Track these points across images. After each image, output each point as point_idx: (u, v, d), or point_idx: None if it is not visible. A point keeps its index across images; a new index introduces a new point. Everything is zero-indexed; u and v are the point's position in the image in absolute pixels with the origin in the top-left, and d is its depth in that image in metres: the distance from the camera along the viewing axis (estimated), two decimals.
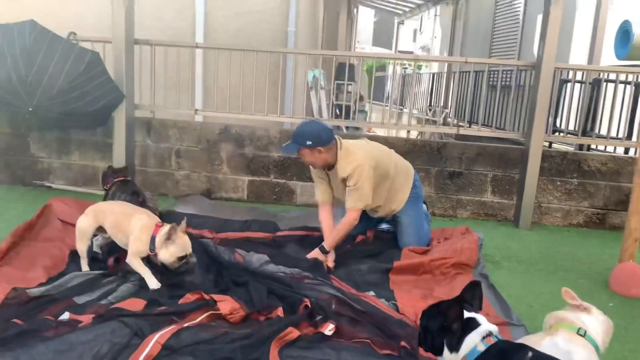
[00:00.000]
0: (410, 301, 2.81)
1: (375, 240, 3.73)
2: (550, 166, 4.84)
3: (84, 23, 5.79)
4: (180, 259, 2.77)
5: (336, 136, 3.43)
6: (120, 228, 2.89)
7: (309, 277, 2.93)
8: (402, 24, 19.31)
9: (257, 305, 2.59)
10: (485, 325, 1.77)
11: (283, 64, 5.58)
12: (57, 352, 1.99)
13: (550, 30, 4.46)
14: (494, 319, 2.60)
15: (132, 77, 4.88)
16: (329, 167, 3.44)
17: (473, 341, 1.73)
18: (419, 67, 20.05)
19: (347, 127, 8.98)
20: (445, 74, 11.44)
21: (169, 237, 2.72)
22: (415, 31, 28.21)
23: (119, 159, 4.92)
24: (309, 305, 2.59)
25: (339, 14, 9.71)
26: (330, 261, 3.33)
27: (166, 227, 2.75)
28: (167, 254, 2.74)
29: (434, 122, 9.97)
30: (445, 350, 1.79)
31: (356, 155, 3.34)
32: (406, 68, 19.16)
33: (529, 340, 1.93)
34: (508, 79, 6.65)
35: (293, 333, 2.33)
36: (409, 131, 5.59)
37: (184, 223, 2.83)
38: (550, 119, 5.01)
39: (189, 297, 2.58)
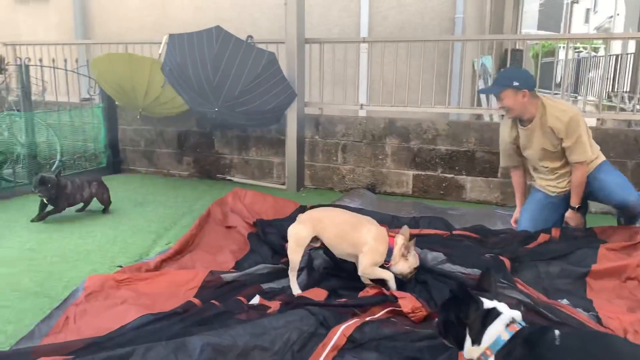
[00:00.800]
0: (614, 313, 2.45)
1: (563, 239, 3.34)
2: None
3: (258, 27, 6.23)
4: (414, 269, 2.72)
5: None
6: (346, 239, 2.73)
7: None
8: (577, 2, 17.40)
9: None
10: (508, 312, 1.73)
11: (451, 53, 5.36)
12: (253, 335, 2.10)
13: None
14: None
15: (303, 76, 5.09)
16: (522, 120, 3.36)
17: (497, 331, 1.69)
18: (595, 50, 17.95)
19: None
20: (633, 55, 10.01)
21: (406, 250, 2.68)
22: (587, 11, 25.37)
23: (290, 155, 5.18)
24: None
25: None
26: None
27: (400, 239, 2.70)
28: (405, 266, 2.68)
29: (619, 109, 8.76)
30: (467, 343, 1.74)
31: (566, 105, 3.28)
32: (580, 52, 17.29)
33: None
34: None
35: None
36: (598, 119, 4.97)
37: (405, 229, 2.77)
38: None
39: (368, 291, 2.57)
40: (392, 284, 2.65)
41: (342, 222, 2.78)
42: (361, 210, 4.04)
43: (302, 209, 3.97)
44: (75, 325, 2.35)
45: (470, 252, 3.25)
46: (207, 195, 4.98)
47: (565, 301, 2.60)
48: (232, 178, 5.64)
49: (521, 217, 3.58)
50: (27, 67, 4.87)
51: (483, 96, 6.09)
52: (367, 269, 2.68)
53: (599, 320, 2.41)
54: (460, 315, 1.76)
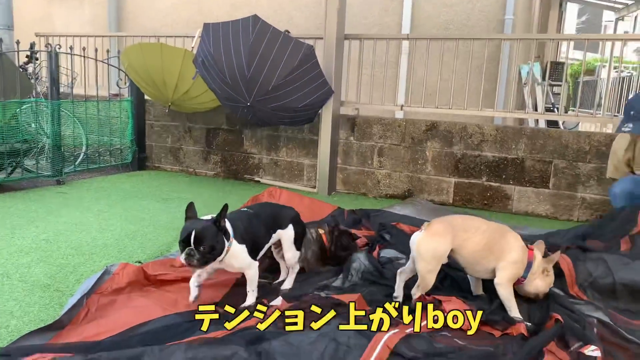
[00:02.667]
0: None
1: None
2: None
3: (294, 25, 6.01)
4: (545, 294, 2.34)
5: None
6: (494, 250, 2.26)
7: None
8: (622, 19, 16.77)
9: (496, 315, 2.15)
10: None
11: (500, 56, 5.02)
12: (286, 353, 1.81)
13: None
14: None
15: (340, 74, 4.82)
16: None
17: None
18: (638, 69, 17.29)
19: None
20: None
21: (548, 265, 2.31)
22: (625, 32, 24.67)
23: (323, 157, 4.89)
24: (561, 321, 2.07)
25: (550, 8, 8.69)
26: None
27: (539, 254, 2.32)
28: (543, 284, 2.30)
29: None
30: None
31: None
32: (622, 71, 16.63)
33: None
34: None
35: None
36: None
37: (557, 253, 2.36)
38: None
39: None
40: (515, 313, 2.23)
41: (490, 230, 2.29)
42: (406, 217, 3.73)
43: (341, 212, 3.70)
44: (95, 318, 2.15)
45: None
46: (234, 195, 4.72)
47: None
48: (260, 179, 5.37)
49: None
50: (56, 54, 4.72)
51: (529, 102, 5.73)
52: (505, 285, 2.23)
53: None
54: None
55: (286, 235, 2.44)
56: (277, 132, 5.27)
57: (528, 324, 2.14)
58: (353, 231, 3.29)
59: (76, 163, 5.28)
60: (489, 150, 4.48)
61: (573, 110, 8.83)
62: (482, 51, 4.62)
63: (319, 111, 4.79)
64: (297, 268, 2.55)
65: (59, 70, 4.85)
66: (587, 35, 4.62)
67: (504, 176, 4.46)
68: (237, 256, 2.16)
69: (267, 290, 2.50)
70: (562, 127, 7.49)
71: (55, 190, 4.58)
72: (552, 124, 7.75)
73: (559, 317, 2.12)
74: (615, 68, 15.15)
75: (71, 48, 5.11)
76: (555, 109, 7.81)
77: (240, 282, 2.52)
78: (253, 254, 2.24)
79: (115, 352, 1.75)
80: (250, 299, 2.27)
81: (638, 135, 3.03)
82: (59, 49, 4.87)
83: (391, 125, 4.84)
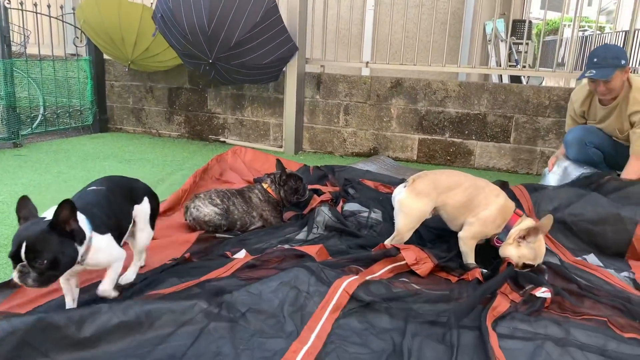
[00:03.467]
0: None
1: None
2: None
3: None
4: (525, 266, 2.20)
5: None
6: (472, 204, 2.24)
7: None
8: None
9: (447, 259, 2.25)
10: None
11: (462, 10, 5.01)
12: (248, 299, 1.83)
13: None
14: None
15: (304, 30, 4.74)
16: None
17: None
18: (601, 29, 17.55)
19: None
20: None
21: (527, 235, 2.17)
22: None
23: (289, 115, 4.85)
24: (513, 264, 2.17)
25: None
26: None
27: (527, 222, 2.22)
28: (515, 253, 2.19)
29: None
30: None
31: None
32: (585, 30, 16.85)
33: None
34: None
35: (502, 306, 1.92)
36: None
37: (549, 220, 2.15)
38: None
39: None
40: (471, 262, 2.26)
41: (472, 186, 2.27)
42: (369, 172, 3.77)
43: (306, 168, 3.71)
44: None
45: None
46: (198, 155, 4.67)
47: (592, 258, 2.33)
48: (225, 139, 5.31)
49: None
50: (5, 9, 4.48)
51: (493, 60, 5.77)
52: (469, 237, 2.23)
53: (636, 285, 2.14)
54: None
55: (142, 211, 1.98)
56: (241, 91, 5.19)
57: (484, 270, 2.22)
58: (317, 186, 3.32)
59: (33, 125, 5.10)
60: (452, 106, 4.53)
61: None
62: (447, 7, 4.60)
63: (284, 69, 4.72)
64: (145, 255, 2.13)
65: (9, 28, 4.61)
66: None
67: (466, 132, 4.52)
68: (103, 250, 1.68)
69: (233, 242, 2.52)
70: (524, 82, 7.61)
71: (12, 153, 4.44)
72: (515, 80, 7.86)
73: (511, 261, 2.20)
74: (581, 27, 15.32)
75: (21, 3, 4.85)
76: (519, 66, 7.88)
77: (202, 238, 2.53)
78: (118, 240, 1.79)
79: (71, 310, 1.73)
80: (107, 285, 1.77)
81: (595, 89, 3.09)
82: (8, 4, 4.63)
83: (357, 82, 4.82)
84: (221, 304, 1.82)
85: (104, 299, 1.75)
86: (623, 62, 2.95)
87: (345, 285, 1.92)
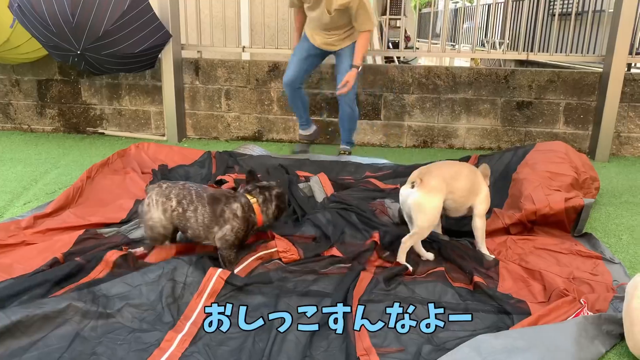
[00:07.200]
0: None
1: None
2: (633, 91, 4.37)
3: None
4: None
5: None
6: (473, 189, 2.42)
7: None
8: None
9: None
10: None
11: None
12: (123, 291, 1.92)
13: None
14: (586, 254, 2.36)
15: (177, 16, 4.69)
16: None
17: None
18: (470, 1, 18.89)
19: (399, 59, 8.57)
20: (502, 4, 10.63)
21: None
22: None
23: (169, 103, 4.83)
24: (377, 242, 2.45)
25: None
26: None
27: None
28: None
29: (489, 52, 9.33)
30: None
31: None
32: (457, 2, 18.07)
33: None
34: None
35: (365, 280, 2.18)
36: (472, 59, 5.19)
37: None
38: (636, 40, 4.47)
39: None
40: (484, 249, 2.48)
41: (469, 171, 2.45)
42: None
43: (209, 154, 3.79)
44: None
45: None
46: (75, 150, 4.51)
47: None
48: (104, 131, 5.15)
49: (290, 60, 4.12)
50: None
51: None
52: (483, 215, 2.46)
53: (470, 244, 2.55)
54: None
55: None
56: (117, 80, 5.04)
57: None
58: (219, 177, 3.35)
59: None
60: (327, 88, 4.77)
61: (418, 41, 9.54)
62: None
63: (159, 56, 4.66)
64: None
65: None
66: None
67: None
68: None
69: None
70: (396, 62, 8.10)
71: None
72: (390, 60, 8.34)
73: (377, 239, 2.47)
74: (454, 0, 16.34)
75: None
76: (396, 44, 8.37)
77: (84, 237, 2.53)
78: None
79: None
80: None
81: None
82: None
83: (235, 67, 4.89)
84: (98, 299, 1.89)
85: None
86: None
87: (220, 272, 2.07)
